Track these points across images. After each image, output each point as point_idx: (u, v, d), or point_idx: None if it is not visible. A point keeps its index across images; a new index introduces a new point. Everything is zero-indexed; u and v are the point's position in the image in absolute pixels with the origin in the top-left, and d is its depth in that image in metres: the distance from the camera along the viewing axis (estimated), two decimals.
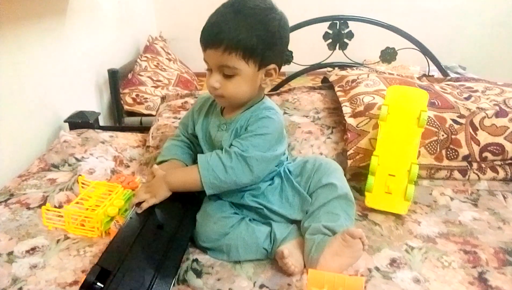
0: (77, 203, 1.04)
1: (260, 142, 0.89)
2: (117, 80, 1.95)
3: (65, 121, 1.53)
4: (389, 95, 1.14)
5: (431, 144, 1.16)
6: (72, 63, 1.68)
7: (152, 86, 2.18)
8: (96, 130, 1.51)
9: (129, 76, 2.17)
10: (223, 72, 0.87)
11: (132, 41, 2.48)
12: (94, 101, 1.93)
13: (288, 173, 0.99)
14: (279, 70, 0.93)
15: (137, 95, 2.06)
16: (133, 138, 1.48)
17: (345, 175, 1.02)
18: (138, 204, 0.91)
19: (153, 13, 2.95)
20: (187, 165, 1.03)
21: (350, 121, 1.23)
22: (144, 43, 2.50)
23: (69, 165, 1.27)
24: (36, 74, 1.42)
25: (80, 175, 1.19)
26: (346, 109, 1.27)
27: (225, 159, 0.88)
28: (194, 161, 0.97)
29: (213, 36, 0.84)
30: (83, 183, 1.11)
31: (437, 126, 1.17)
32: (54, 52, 1.54)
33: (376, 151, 1.08)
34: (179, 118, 1.42)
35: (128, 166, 1.31)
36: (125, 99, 2.04)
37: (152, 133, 1.38)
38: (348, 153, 1.17)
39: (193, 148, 1.09)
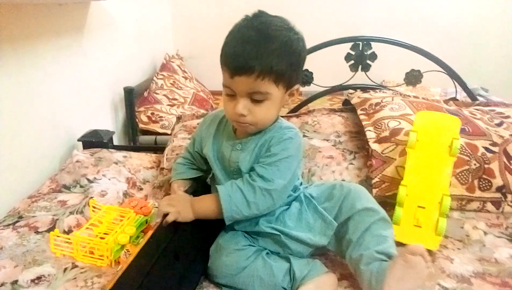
0: (88, 228, 1.00)
1: (284, 168, 0.86)
2: (132, 98, 1.92)
3: (78, 140, 1.50)
4: (418, 121, 1.08)
5: (462, 173, 1.09)
6: (88, 81, 1.66)
7: (168, 105, 2.15)
8: (110, 149, 1.47)
9: (145, 94, 2.15)
10: (252, 98, 0.83)
11: (149, 59, 2.47)
12: (109, 119, 1.90)
13: (311, 198, 0.93)
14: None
15: (152, 114, 2.03)
16: (147, 158, 1.44)
17: None
18: (163, 216, 0.87)
19: (170, 31, 2.95)
20: (190, 181, 1.04)
21: (374, 146, 1.17)
22: (161, 61, 2.48)
23: (81, 186, 1.23)
24: (51, 92, 1.39)
25: (91, 197, 1.15)
26: (370, 134, 1.21)
27: (248, 194, 0.84)
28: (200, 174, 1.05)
29: (244, 63, 0.79)
30: (94, 207, 1.07)
31: (468, 154, 1.10)
32: (69, 69, 1.51)
33: (405, 180, 1.01)
34: None
35: (141, 189, 1.26)
36: (140, 117, 2.01)
37: (166, 155, 1.33)
38: (373, 181, 1.11)
39: (197, 164, 1.07)
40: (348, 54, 1.53)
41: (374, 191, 1.10)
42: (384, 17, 2.67)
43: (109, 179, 1.26)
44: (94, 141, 1.49)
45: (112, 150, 1.47)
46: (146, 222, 1.04)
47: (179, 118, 1.52)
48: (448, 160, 1.01)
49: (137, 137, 1.98)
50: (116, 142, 1.94)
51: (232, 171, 0.93)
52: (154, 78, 2.26)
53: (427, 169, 1.01)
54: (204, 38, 2.88)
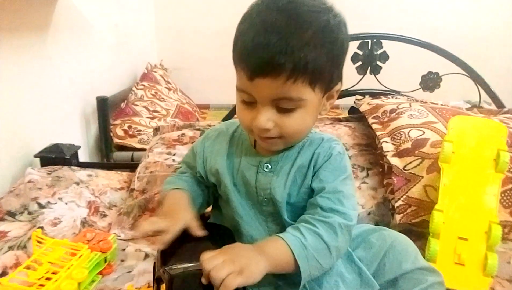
0: (27, 267, 0.75)
1: (349, 193, 0.68)
2: (106, 109, 1.69)
3: (35, 156, 1.25)
4: (453, 128, 0.86)
5: (506, 194, 0.87)
6: (53, 87, 1.43)
7: (148, 117, 1.92)
8: (73, 167, 1.23)
9: (122, 105, 1.92)
10: (279, 106, 0.61)
11: (129, 68, 2.25)
12: (78, 133, 1.66)
13: None
14: None
15: (129, 127, 1.80)
16: (116, 177, 1.20)
17: None
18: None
19: (154, 40, 2.75)
20: (194, 199, 0.74)
21: (394, 161, 0.95)
22: (142, 71, 2.26)
23: (29, 213, 0.99)
24: (4, 98, 1.16)
25: (39, 227, 0.91)
26: (387, 146, 0.99)
27: (329, 238, 0.62)
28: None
29: (269, 60, 0.56)
30: (38, 241, 0.82)
31: None
32: (30, 73, 1.28)
33: (439, 204, 0.79)
34: (174, 154, 1.15)
35: (105, 216, 1.02)
36: (115, 131, 1.78)
37: (138, 173, 1.10)
38: (396, 204, 0.88)
39: (206, 190, 0.79)
40: (355, 54, 1.31)
41: (398, 217, 0.88)
42: (394, 14, 2.45)
43: (66, 204, 1.03)
44: (54, 157, 1.25)
45: (76, 167, 1.23)
46: (105, 261, 0.80)
47: (156, 130, 1.29)
48: (494, 177, 0.80)
49: (111, 153, 1.74)
50: (86, 158, 1.71)
51: (261, 201, 0.70)
52: (133, 89, 2.04)
53: (468, 189, 0.79)
54: (191, 49, 2.70)
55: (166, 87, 2.26)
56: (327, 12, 0.60)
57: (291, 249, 0.59)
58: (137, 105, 1.95)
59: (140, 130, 1.80)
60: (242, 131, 0.75)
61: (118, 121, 1.83)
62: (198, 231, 0.63)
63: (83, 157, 1.66)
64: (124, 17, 2.14)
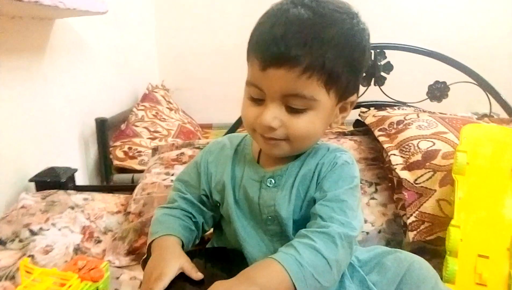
0: None
1: (354, 203, 0.61)
2: (105, 131, 1.66)
3: (30, 180, 1.21)
4: (466, 137, 0.80)
5: None
6: (50, 109, 1.40)
7: (149, 138, 1.88)
8: (69, 191, 1.18)
9: (122, 126, 1.88)
10: (288, 104, 0.57)
11: (130, 89, 2.23)
12: (77, 156, 1.62)
13: (356, 263, 0.65)
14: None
15: (129, 148, 1.76)
16: (113, 200, 1.15)
17: None
18: None
19: (155, 61, 2.74)
20: (183, 244, 0.67)
21: (404, 175, 0.89)
22: (143, 92, 2.24)
23: (20, 240, 0.94)
24: (1, 120, 1.13)
25: (30, 256, 0.86)
26: (396, 159, 0.94)
27: (328, 251, 0.55)
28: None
29: (285, 49, 0.53)
30: (26, 271, 0.77)
31: None
32: (25, 95, 1.25)
33: (456, 219, 0.73)
34: (172, 174, 1.10)
35: (99, 241, 0.97)
36: (115, 153, 1.74)
37: (135, 195, 1.05)
38: (409, 221, 0.82)
39: (198, 216, 0.72)
40: None
41: (411, 234, 0.81)
42: (397, 23, 2.41)
43: (59, 230, 0.98)
44: (49, 181, 1.20)
45: (72, 191, 1.18)
46: None
47: (155, 150, 1.24)
48: None
49: (111, 175, 1.70)
50: (86, 182, 1.67)
51: (265, 220, 0.65)
52: (134, 109, 2.01)
53: (486, 202, 0.73)
54: (192, 69, 2.69)
55: (167, 107, 2.23)
56: (353, 17, 0.58)
57: (286, 270, 0.52)
58: (138, 126, 1.92)
59: (141, 151, 1.76)
60: (245, 144, 0.71)
61: (118, 143, 1.79)
62: (194, 273, 0.59)
63: (82, 180, 1.62)
64: (124, 38, 2.13)
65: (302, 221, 0.63)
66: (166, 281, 0.56)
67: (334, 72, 0.56)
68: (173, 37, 2.68)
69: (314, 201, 0.62)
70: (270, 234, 0.65)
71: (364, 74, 1.27)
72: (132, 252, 0.90)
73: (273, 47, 0.54)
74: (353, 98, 0.63)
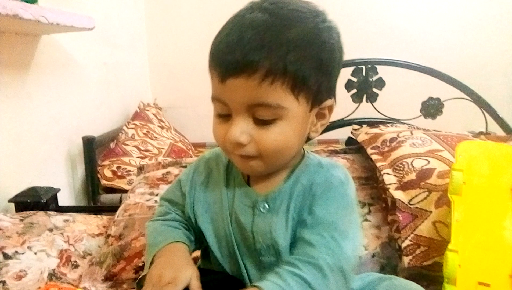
0: None
1: (348, 228, 0.56)
2: (93, 149, 1.61)
3: (9, 201, 1.16)
4: (462, 155, 0.76)
5: None
6: (33, 127, 1.35)
7: (138, 157, 1.83)
8: (50, 212, 1.13)
9: (112, 145, 1.84)
10: (255, 116, 0.53)
11: (120, 107, 2.19)
12: (64, 175, 1.57)
13: None
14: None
15: (118, 168, 1.71)
16: (95, 222, 1.10)
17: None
18: None
19: (147, 79, 2.71)
20: (189, 248, 0.63)
21: (397, 195, 0.85)
22: (135, 110, 2.20)
23: None
24: None
25: (1, 282, 0.81)
26: (389, 178, 0.90)
27: (317, 284, 0.50)
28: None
29: (241, 55, 0.50)
30: None
31: None
32: (6, 113, 1.21)
33: (453, 243, 0.68)
34: (157, 194, 1.05)
35: (77, 266, 0.91)
36: (103, 172, 1.69)
37: (117, 216, 1.00)
38: (403, 245, 0.77)
39: (191, 230, 0.67)
40: (349, 81, 1.24)
41: (406, 259, 0.77)
42: (389, 38, 2.38)
43: (35, 253, 0.92)
44: (29, 201, 1.15)
45: (53, 212, 1.13)
46: None
47: (140, 169, 1.20)
48: None
49: (98, 196, 1.64)
50: (72, 202, 1.62)
51: (259, 250, 0.59)
52: (124, 128, 1.97)
53: (485, 224, 0.69)
54: (185, 87, 2.66)
55: (159, 126, 2.19)
56: (317, 15, 0.54)
57: None
58: (128, 145, 1.87)
59: (130, 171, 1.71)
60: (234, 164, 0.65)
61: (106, 162, 1.74)
62: None
63: (68, 200, 1.57)
64: (115, 55, 2.10)
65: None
66: (180, 287, 0.52)
67: (299, 75, 0.51)
68: (166, 54, 2.65)
69: (304, 224, 0.57)
70: (263, 266, 0.59)
71: (355, 91, 1.25)
72: (109, 278, 0.85)
73: (228, 55, 0.50)
74: (329, 102, 0.58)
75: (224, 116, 0.55)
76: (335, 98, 0.59)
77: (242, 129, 0.53)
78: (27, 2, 1.09)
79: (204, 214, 0.63)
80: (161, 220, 0.68)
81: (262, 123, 0.53)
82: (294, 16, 0.52)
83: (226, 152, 0.59)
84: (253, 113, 0.53)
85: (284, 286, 0.49)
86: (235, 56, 0.50)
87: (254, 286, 0.50)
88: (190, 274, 0.55)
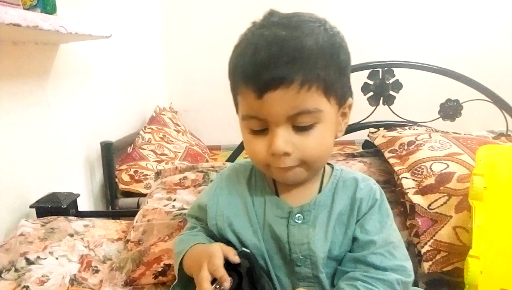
0: None
1: (400, 238, 0.63)
2: (111, 154, 1.64)
3: (31, 207, 1.19)
4: (482, 159, 0.75)
5: None
6: (53, 134, 1.38)
7: (155, 161, 1.85)
8: (70, 217, 1.15)
9: (129, 149, 1.86)
10: (295, 124, 0.55)
11: (137, 112, 2.22)
12: (83, 180, 1.60)
13: None
14: None
15: (135, 172, 1.73)
16: (114, 227, 1.12)
17: (417, 284, 0.71)
18: None
19: (163, 83, 2.74)
20: None
21: (416, 199, 0.84)
22: (151, 114, 2.23)
23: (16, 270, 0.91)
24: (1, 146, 1.11)
25: (25, 287, 0.83)
26: (408, 183, 0.89)
27: None
28: None
29: (277, 70, 0.52)
30: None
31: None
32: (28, 121, 1.24)
33: (474, 249, 0.67)
34: (174, 199, 1.06)
35: (97, 271, 0.93)
36: (120, 176, 1.71)
37: (136, 222, 1.01)
38: (423, 250, 0.77)
39: None
40: (366, 84, 1.23)
41: (426, 265, 0.76)
42: (405, 40, 2.37)
43: (57, 259, 0.94)
44: (50, 207, 1.17)
45: (73, 218, 1.15)
46: None
47: (158, 174, 1.21)
48: None
49: (116, 200, 1.67)
50: (91, 206, 1.64)
51: (295, 260, 0.61)
52: (141, 132, 1.99)
53: (507, 230, 0.68)
54: (200, 90, 2.69)
55: (175, 130, 2.21)
56: (324, 23, 0.58)
57: None
58: (144, 149, 1.90)
59: (147, 175, 1.74)
60: (256, 175, 0.67)
61: (124, 166, 1.77)
62: (232, 255, 0.57)
63: (87, 205, 1.60)
64: (131, 61, 2.14)
65: (337, 259, 0.61)
66: (219, 258, 0.56)
67: (328, 79, 0.55)
68: (180, 59, 2.68)
69: (353, 239, 0.61)
70: (297, 277, 0.61)
71: (371, 94, 1.25)
72: (129, 283, 0.86)
73: (264, 72, 0.53)
74: (350, 100, 0.62)
75: (259, 132, 0.57)
76: (352, 96, 0.63)
77: (285, 139, 0.55)
78: (46, 13, 1.12)
79: (227, 228, 0.64)
80: (187, 233, 0.71)
81: (301, 129, 0.56)
82: (307, 27, 0.55)
83: (264, 167, 0.60)
84: (292, 121, 0.55)
85: None
86: (271, 72, 0.52)
87: None
88: (217, 246, 0.58)
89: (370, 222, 0.61)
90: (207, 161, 2.15)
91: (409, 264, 0.61)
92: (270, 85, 0.53)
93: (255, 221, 0.63)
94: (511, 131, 1.69)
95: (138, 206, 1.62)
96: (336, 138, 0.62)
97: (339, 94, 0.58)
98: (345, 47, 0.59)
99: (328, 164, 0.67)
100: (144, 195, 1.67)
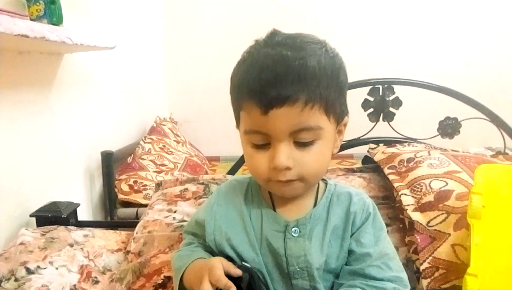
0: None
1: (391, 246, 0.66)
2: (111, 164, 1.65)
3: (31, 215, 1.19)
4: (481, 178, 0.76)
5: None
6: (55, 143, 1.39)
7: (155, 171, 1.86)
8: (70, 227, 1.15)
9: (129, 159, 1.87)
10: (296, 140, 0.58)
11: (138, 122, 2.24)
12: (83, 190, 1.60)
13: None
14: None
15: (135, 182, 1.74)
16: (114, 237, 1.12)
17: None
18: None
19: (164, 94, 2.76)
20: None
21: (415, 216, 0.85)
22: (151, 125, 2.24)
23: (16, 279, 0.90)
24: (3, 155, 1.12)
25: None
26: (407, 199, 0.90)
27: None
28: None
29: (283, 88, 0.55)
30: None
31: None
32: (30, 129, 1.25)
33: (472, 267, 0.68)
34: (175, 211, 1.06)
35: (97, 282, 0.93)
36: (120, 186, 1.72)
37: (136, 233, 1.02)
38: (422, 267, 0.77)
39: None
40: (366, 100, 1.25)
41: (425, 282, 0.76)
42: (406, 58, 2.40)
43: (57, 269, 0.94)
44: (50, 216, 1.18)
45: (73, 227, 1.15)
46: None
47: (158, 185, 1.22)
48: None
49: (115, 210, 1.67)
50: (90, 216, 1.64)
51: (292, 273, 0.62)
52: (141, 142, 2.00)
53: (505, 248, 0.69)
54: (200, 101, 2.71)
55: (174, 140, 2.22)
56: (325, 44, 0.61)
57: None
58: (144, 159, 1.91)
59: (146, 185, 1.74)
60: (253, 190, 0.69)
61: (123, 176, 1.77)
62: (233, 269, 0.58)
63: (86, 214, 1.60)
64: (133, 72, 2.15)
65: (333, 271, 0.63)
66: (219, 269, 0.57)
67: (329, 98, 0.58)
68: (181, 70, 2.71)
69: (349, 252, 0.63)
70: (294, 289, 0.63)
71: (372, 110, 1.27)
72: None
73: (270, 90, 0.55)
74: (346, 119, 0.65)
75: (261, 146, 0.59)
76: (348, 115, 0.66)
77: (287, 154, 0.57)
78: (53, 24, 1.14)
79: (225, 243, 0.65)
80: (184, 249, 0.72)
81: (302, 145, 0.58)
82: (310, 48, 0.58)
83: (264, 181, 0.61)
84: (294, 137, 0.57)
85: None
86: (277, 90, 0.55)
87: None
88: (218, 259, 0.60)
89: (365, 236, 0.63)
90: (206, 172, 2.16)
91: (404, 275, 0.63)
92: (276, 102, 0.55)
93: (252, 236, 0.64)
94: (508, 149, 1.71)
95: (137, 216, 1.62)
96: (332, 154, 0.64)
97: (338, 112, 0.61)
98: (344, 68, 0.62)
99: (322, 179, 0.70)
100: (143, 205, 1.68)
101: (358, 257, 0.62)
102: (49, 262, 0.96)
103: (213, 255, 0.67)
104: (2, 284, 0.90)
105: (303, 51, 0.57)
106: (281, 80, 0.55)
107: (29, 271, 0.92)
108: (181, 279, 0.65)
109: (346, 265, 0.63)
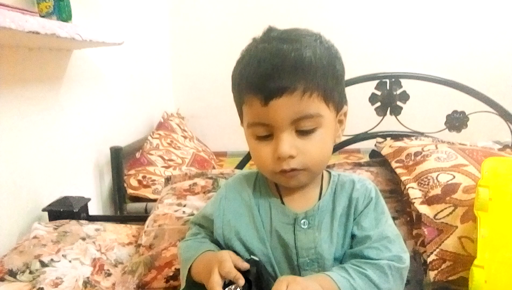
0: None
1: (397, 233, 0.66)
2: (120, 159, 1.67)
3: (43, 210, 1.21)
4: (488, 171, 0.77)
5: None
6: (65, 139, 1.41)
7: (163, 166, 1.88)
8: (82, 221, 1.17)
9: (137, 155, 1.89)
10: (298, 129, 0.60)
11: (145, 117, 2.25)
12: (92, 184, 1.62)
13: None
14: None
15: (143, 177, 1.76)
16: (125, 231, 1.14)
17: None
18: None
19: (170, 90, 2.78)
20: None
21: (423, 209, 0.86)
22: (159, 120, 2.26)
23: (31, 272, 0.93)
24: (12, 150, 1.14)
25: (39, 288, 0.85)
26: (414, 193, 0.91)
27: (380, 280, 0.59)
28: None
29: (281, 79, 0.57)
30: None
31: None
32: (41, 125, 1.27)
33: (479, 259, 0.69)
34: (185, 205, 1.08)
35: (109, 275, 0.95)
36: (129, 181, 1.74)
37: (147, 226, 1.03)
38: (429, 259, 0.78)
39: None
40: (373, 94, 1.26)
41: (432, 274, 0.77)
42: (413, 52, 2.40)
43: (70, 262, 0.96)
44: (62, 210, 1.20)
45: (84, 221, 1.17)
46: None
47: (167, 180, 1.23)
48: None
49: (124, 204, 1.69)
50: (99, 211, 1.67)
51: (302, 264, 0.64)
52: (149, 138, 2.02)
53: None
54: (207, 96, 2.72)
55: (182, 136, 2.24)
56: (319, 36, 0.64)
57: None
58: (152, 154, 1.93)
59: (155, 180, 1.76)
60: (261, 184, 0.70)
61: (132, 171, 1.79)
62: (240, 263, 0.60)
63: (96, 209, 1.62)
64: (140, 67, 2.17)
65: (338, 262, 0.64)
66: (229, 261, 0.58)
67: (327, 87, 0.60)
68: (188, 65, 2.72)
69: (352, 236, 0.64)
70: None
71: (379, 104, 1.27)
72: (141, 286, 0.88)
73: (269, 82, 0.57)
74: (345, 108, 0.67)
75: (264, 138, 0.61)
76: (347, 104, 0.68)
77: (290, 143, 0.59)
78: (62, 20, 1.15)
79: (234, 237, 0.67)
80: (192, 239, 0.73)
81: (304, 134, 0.60)
82: (305, 40, 0.61)
83: (269, 172, 0.63)
84: (295, 126, 0.59)
85: (349, 278, 0.57)
86: (276, 82, 0.57)
87: (324, 274, 0.58)
88: (226, 252, 0.61)
89: (366, 220, 0.64)
90: (213, 167, 2.17)
91: (406, 256, 0.63)
92: (275, 93, 0.57)
93: (261, 229, 0.65)
94: None
95: (146, 211, 1.64)
96: (334, 144, 0.66)
97: (337, 101, 0.63)
98: (340, 58, 0.64)
99: (326, 170, 0.71)
100: (152, 200, 1.70)
101: (359, 240, 0.63)
102: (63, 255, 0.98)
103: (221, 248, 0.68)
104: (18, 276, 0.92)
105: (298, 43, 0.59)
106: (278, 71, 0.57)
107: (43, 264, 0.94)
108: (189, 270, 0.66)
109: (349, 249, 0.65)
